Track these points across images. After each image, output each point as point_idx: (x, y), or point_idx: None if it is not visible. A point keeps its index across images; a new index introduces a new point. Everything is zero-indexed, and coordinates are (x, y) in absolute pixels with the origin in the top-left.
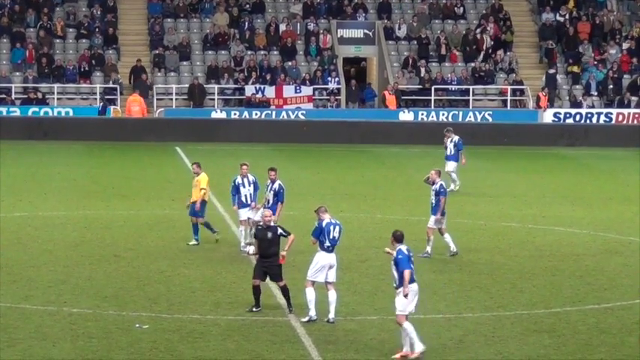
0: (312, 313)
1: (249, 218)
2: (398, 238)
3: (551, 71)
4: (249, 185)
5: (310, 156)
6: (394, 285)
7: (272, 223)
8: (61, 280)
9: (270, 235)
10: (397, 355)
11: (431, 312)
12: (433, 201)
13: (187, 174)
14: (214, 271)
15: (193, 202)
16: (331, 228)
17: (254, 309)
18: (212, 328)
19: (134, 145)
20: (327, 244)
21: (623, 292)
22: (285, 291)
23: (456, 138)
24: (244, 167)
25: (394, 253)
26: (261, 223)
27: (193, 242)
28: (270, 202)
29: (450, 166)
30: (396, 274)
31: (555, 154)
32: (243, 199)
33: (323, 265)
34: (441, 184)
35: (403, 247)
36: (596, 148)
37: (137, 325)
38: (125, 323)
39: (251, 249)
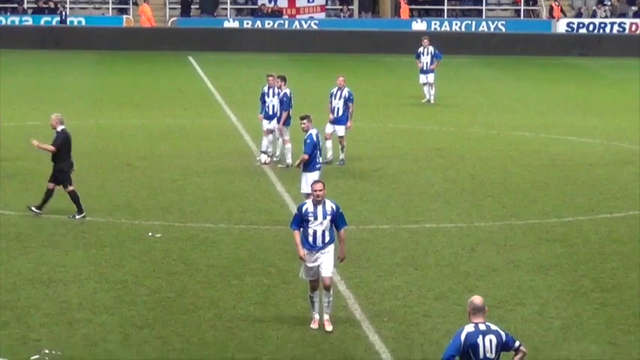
0: None
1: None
2: None
3: None
4: (274, 96)
5: (323, 66)
6: (319, 245)
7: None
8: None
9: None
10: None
11: (443, 221)
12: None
13: (200, 83)
14: (227, 180)
15: None
16: (320, 139)
17: (33, 208)
18: (224, 236)
19: (147, 54)
20: (319, 159)
21: (636, 201)
22: (73, 196)
23: (431, 48)
24: (270, 78)
25: None
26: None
27: None
28: (276, 108)
29: (431, 77)
30: (328, 233)
31: (568, 63)
32: (267, 109)
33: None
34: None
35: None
36: (609, 57)
37: (150, 234)
38: (138, 232)
39: (263, 157)
